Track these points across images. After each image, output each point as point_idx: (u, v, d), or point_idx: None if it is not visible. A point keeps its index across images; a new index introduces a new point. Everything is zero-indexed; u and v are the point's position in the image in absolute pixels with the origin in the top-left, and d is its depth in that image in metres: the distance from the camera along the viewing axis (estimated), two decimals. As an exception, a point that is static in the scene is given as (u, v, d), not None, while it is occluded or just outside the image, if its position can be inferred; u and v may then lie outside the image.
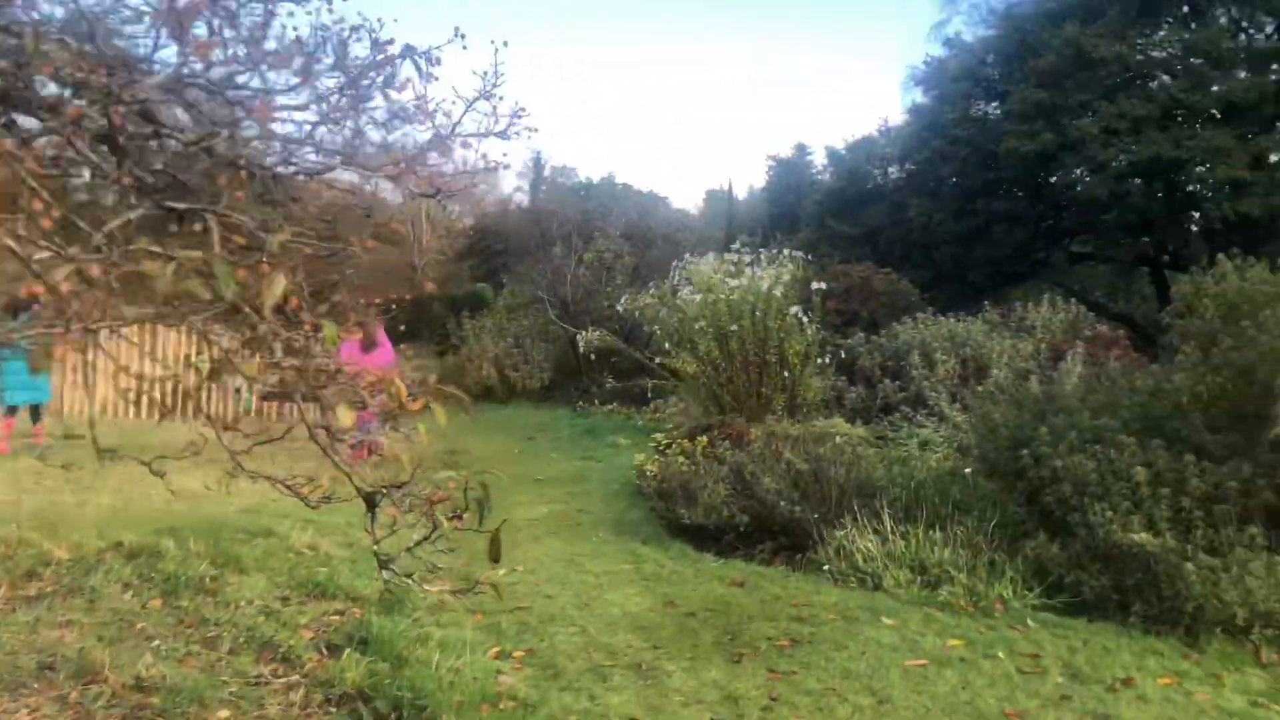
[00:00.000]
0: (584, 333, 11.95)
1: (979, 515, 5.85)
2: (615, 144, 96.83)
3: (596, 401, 15.22)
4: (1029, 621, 4.87)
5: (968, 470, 6.13)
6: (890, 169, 29.20)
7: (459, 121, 3.80)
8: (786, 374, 10.12)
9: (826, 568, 5.81)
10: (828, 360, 10.77)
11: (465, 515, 3.95)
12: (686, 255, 11.16)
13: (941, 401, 10.35)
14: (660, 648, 4.85)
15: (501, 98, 3.75)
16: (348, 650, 4.58)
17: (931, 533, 5.76)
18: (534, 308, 18.15)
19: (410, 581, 3.91)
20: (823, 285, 10.66)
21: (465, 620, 5.33)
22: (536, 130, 3.97)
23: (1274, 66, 18.41)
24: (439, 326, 23.56)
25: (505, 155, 3.64)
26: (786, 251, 10.70)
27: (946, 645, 4.62)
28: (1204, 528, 4.75)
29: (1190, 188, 18.77)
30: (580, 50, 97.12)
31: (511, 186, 65.90)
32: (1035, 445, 5.62)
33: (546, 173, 62.89)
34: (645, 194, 59.65)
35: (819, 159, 39.66)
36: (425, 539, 3.90)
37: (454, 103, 3.78)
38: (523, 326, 18.20)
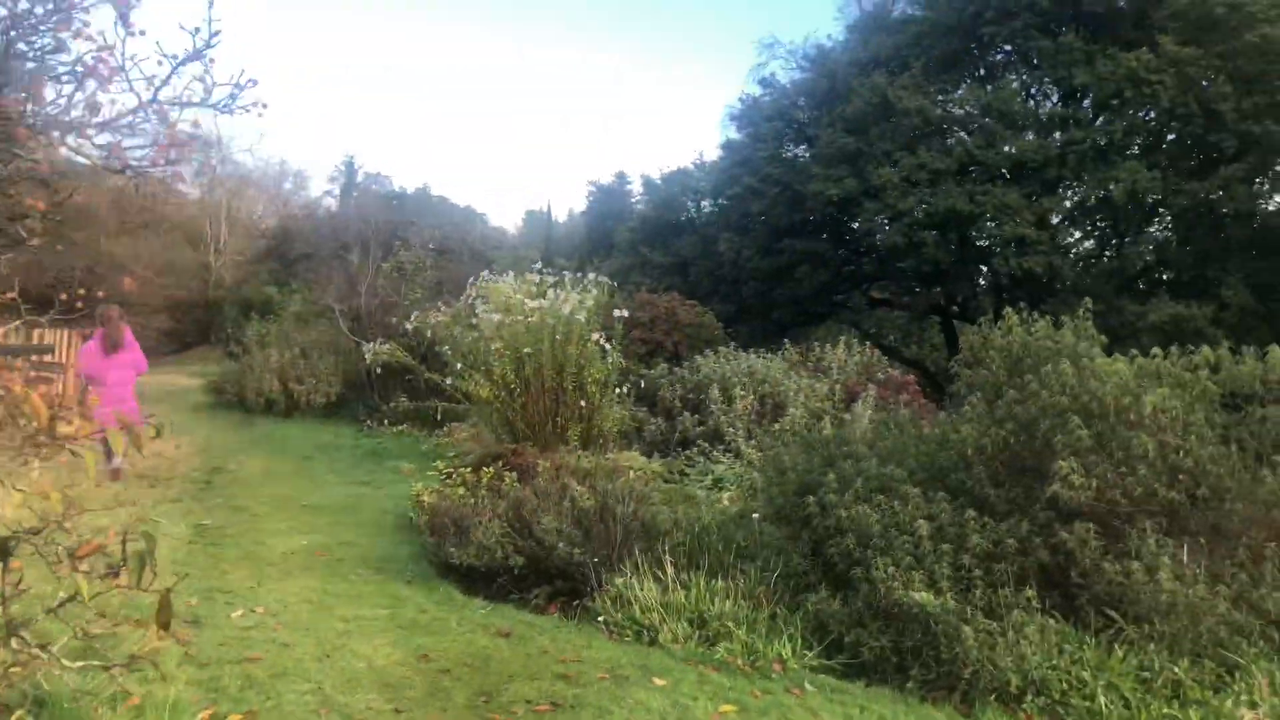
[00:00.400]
0: (371, 344, 11.07)
1: (763, 564, 5.57)
2: (434, 157, 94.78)
3: (386, 422, 14.28)
4: (806, 684, 4.57)
5: (755, 514, 5.86)
6: (703, 202, 29.70)
7: (164, 83, 3.11)
8: (584, 403, 9.68)
9: (602, 619, 5.35)
10: (628, 390, 10.43)
11: (122, 571, 3.18)
12: (484, 273, 10.54)
13: (738, 438, 10.23)
14: (404, 711, 4.24)
15: (214, 60, 3.09)
16: (18, 712, 3.74)
17: (714, 581, 5.42)
18: (326, 318, 16.97)
19: (44, 654, 3.12)
20: (625, 313, 10.32)
21: (179, 674, 4.52)
22: (266, 107, 3.32)
23: (1056, 135, 19.88)
24: (233, 330, 21.83)
25: (224, 131, 3.02)
26: (591, 275, 10.31)
27: (718, 712, 4.24)
28: (983, 587, 4.63)
29: (981, 242, 19.93)
30: (409, 51, 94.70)
31: (320, 190, 63.16)
32: (822, 492, 5.40)
33: (360, 179, 60.64)
34: (462, 209, 58.57)
35: (637, 188, 40.10)
36: (69, 600, 3.11)
37: (160, 62, 3.09)
38: (311, 337, 16.94)
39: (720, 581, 5.41)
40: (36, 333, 12.81)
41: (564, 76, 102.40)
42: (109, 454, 9.73)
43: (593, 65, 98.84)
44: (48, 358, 10.84)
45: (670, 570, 5.51)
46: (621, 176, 43.41)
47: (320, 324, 17.41)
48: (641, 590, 5.41)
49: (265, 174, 64.82)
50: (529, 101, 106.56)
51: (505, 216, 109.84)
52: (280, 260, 41.78)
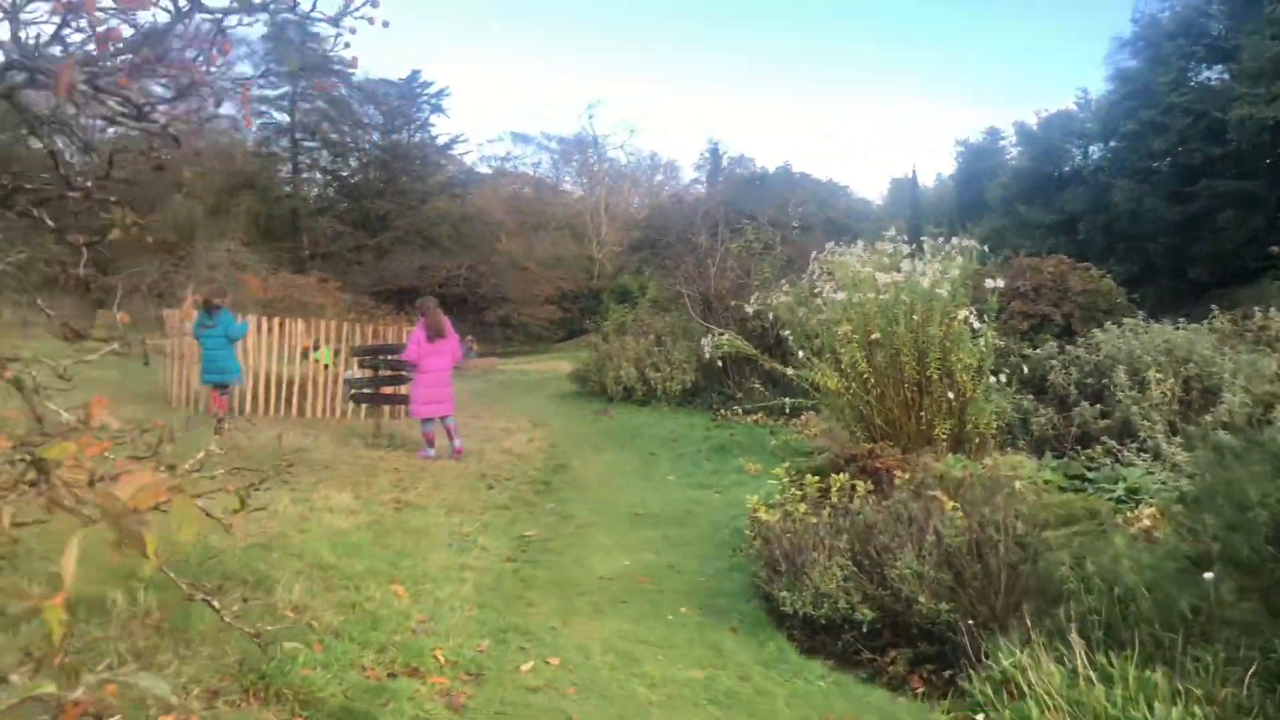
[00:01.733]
0: (708, 336, 10.19)
1: (1226, 648, 3.75)
2: (795, 133, 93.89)
3: (740, 410, 13.45)
4: None
5: (1207, 575, 3.99)
6: (1091, 147, 25.66)
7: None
8: (952, 394, 8.01)
9: (980, 718, 3.86)
10: (1008, 376, 8.54)
11: None
12: (829, 244, 9.16)
13: (1156, 433, 7.99)
14: None
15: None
16: None
17: (1148, 671, 3.71)
18: (679, 303, 16.52)
19: None
20: (1000, 283, 8.42)
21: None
22: (387, 24, 2.48)
23: None
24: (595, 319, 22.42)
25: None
26: (955, 241, 8.54)
27: None
28: None
29: None
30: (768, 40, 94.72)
31: (689, 178, 64.81)
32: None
33: (724, 164, 61.23)
34: (824, 183, 56.87)
35: (1010, 141, 36.18)
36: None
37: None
38: (665, 323, 16.57)
39: (1158, 672, 3.68)
40: (393, 329, 13.67)
41: (927, 31, 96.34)
42: (431, 441, 10.04)
43: (956, 13, 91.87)
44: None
45: (1080, 647, 3.87)
46: (993, 132, 39.44)
47: (675, 310, 17.03)
48: (1038, 674, 3.84)
49: (639, 168, 68.06)
50: (891, 63, 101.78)
51: (870, 187, 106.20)
52: (650, 248, 42.97)
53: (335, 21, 2.51)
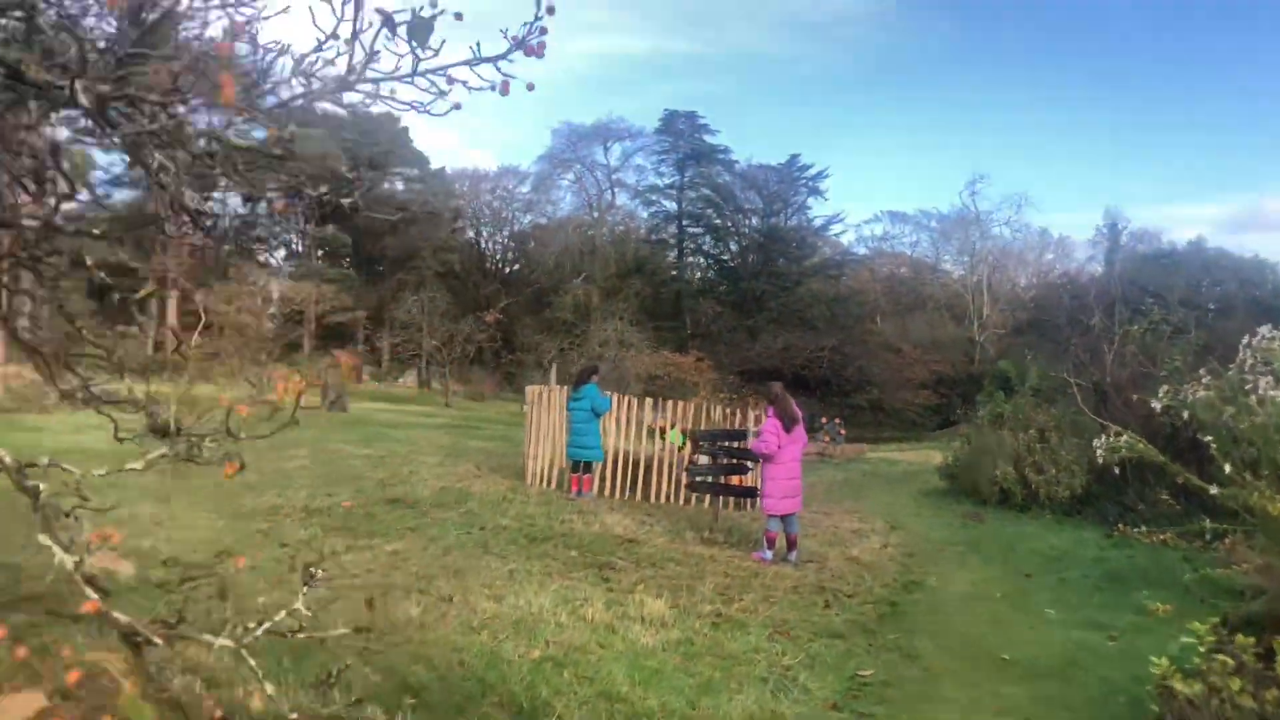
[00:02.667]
0: (1100, 437, 8.32)
1: None
2: (1208, 203, 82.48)
3: (1143, 527, 11.12)
4: None
5: None
6: None
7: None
8: None
9: None
10: None
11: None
12: (1264, 329, 7.05)
13: None
14: None
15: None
16: None
17: None
18: (1066, 393, 14.31)
19: None
20: None
21: None
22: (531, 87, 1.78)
23: None
24: (966, 410, 20.38)
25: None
26: None
27: None
28: None
29: None
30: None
31: (1083, 255, 59.00)
32: None
33: (1123, 239, 55.04)
34: (1247, 259, 48.53)
35: None
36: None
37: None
38: (1050, 416, 14.41)
39: None
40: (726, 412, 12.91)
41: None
42: (772, 542, 9.09)
43: None
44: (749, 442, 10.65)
45: None
46: None
47: (1062, 401, 14.81)
48: None
49: (1026, 245, 63.36)
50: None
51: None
52: (1036, 332, 39.19)
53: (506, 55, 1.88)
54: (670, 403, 13.34)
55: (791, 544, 9.15)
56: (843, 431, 29.18)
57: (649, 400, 13.72)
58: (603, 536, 9.41)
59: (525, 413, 13.86)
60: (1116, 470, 11.45)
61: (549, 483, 12.62)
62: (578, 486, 11.90)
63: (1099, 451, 8.54)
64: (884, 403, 37.70)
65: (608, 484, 12.44)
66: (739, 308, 54.06)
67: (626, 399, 13.39)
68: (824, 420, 29.60)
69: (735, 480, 11.28)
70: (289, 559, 6.37)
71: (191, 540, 7.14)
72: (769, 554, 9.04)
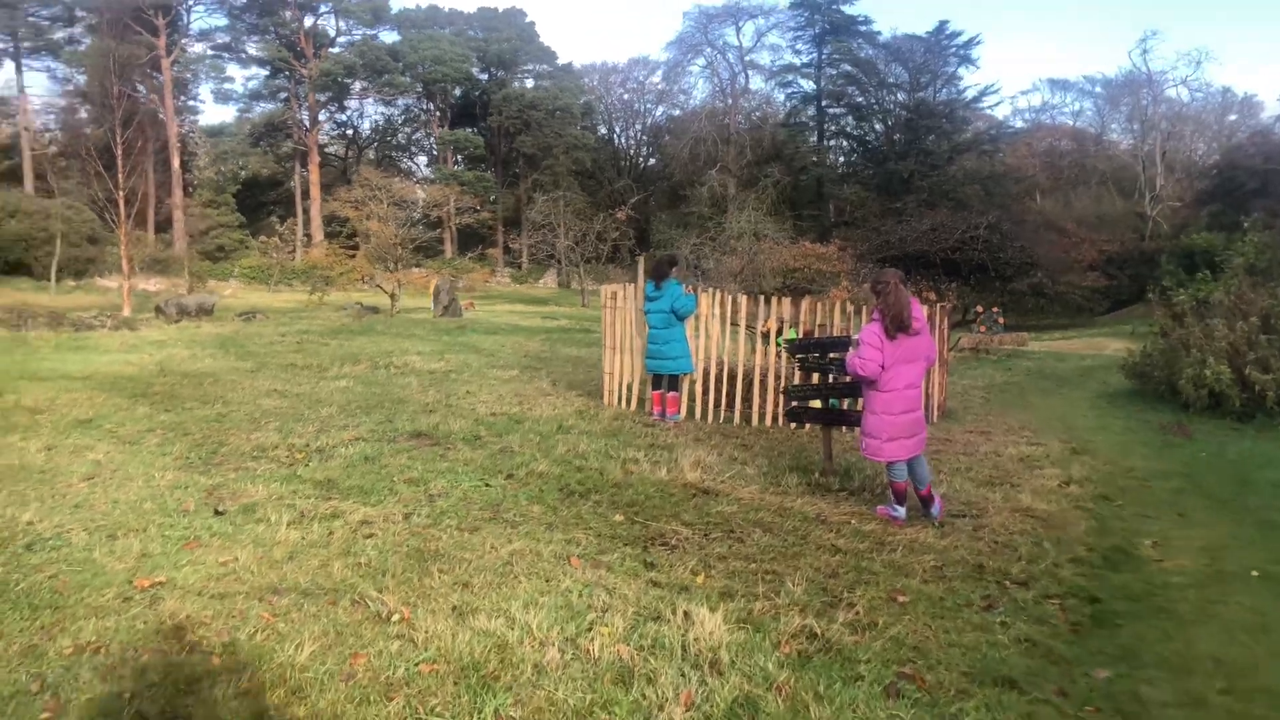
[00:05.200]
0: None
1: None
2: None
3: None
4: None
5: None
6: None
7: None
8: None
9: None
10: None
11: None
12: None
13: None
14: None
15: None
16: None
17: None
18: (1291, 274, 12.33)
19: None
20: None
21: None
22: None
23: None
24: (1162, 293, 18.18)
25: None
26: None
27: None
28: None
29: None
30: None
31: (1273, 113, 52.83)
32: None
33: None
34: None
35: None
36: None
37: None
38: (1277, 299, 12.42)
39: None
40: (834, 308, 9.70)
41: None
42: (900, 494, 6.31)
43: None
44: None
45: None
46: None
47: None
48: None
49: (1204, 107, 57.23)
50: None
51: None
52: (1225, 201, 35.13)
53: None
54: (776, 299, 10.82)
55: (927, 499, 6.34)
56: (1001, 321, 27.07)
57: (762, 298, 11.06)
58: (668, 487, 6.85)
59: (601, 317, 11.38)
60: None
61: (628, 403, 10.51)
62: (660, 407, 9.89)
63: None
64: (1046, 287, 34.53)
65: (698, 403, 10.20)
66: (885, 190, 51.32)
67: (719, 294, 10.73)
68: (979, 310, 27.53)
69: (845, 407, 8.80)
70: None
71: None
72: (901, 511, 6.26)
